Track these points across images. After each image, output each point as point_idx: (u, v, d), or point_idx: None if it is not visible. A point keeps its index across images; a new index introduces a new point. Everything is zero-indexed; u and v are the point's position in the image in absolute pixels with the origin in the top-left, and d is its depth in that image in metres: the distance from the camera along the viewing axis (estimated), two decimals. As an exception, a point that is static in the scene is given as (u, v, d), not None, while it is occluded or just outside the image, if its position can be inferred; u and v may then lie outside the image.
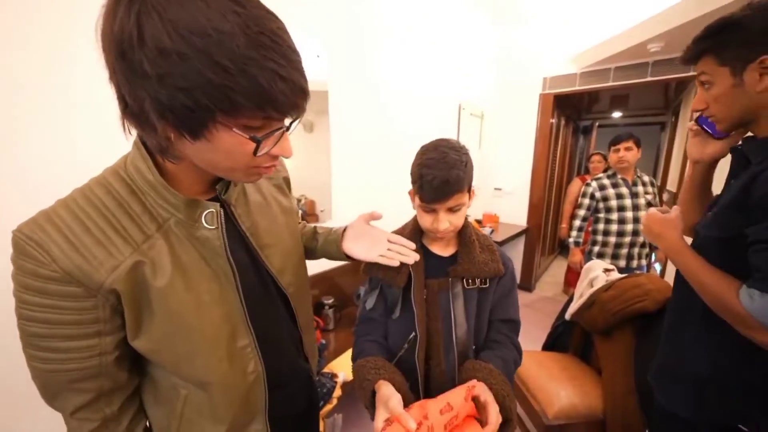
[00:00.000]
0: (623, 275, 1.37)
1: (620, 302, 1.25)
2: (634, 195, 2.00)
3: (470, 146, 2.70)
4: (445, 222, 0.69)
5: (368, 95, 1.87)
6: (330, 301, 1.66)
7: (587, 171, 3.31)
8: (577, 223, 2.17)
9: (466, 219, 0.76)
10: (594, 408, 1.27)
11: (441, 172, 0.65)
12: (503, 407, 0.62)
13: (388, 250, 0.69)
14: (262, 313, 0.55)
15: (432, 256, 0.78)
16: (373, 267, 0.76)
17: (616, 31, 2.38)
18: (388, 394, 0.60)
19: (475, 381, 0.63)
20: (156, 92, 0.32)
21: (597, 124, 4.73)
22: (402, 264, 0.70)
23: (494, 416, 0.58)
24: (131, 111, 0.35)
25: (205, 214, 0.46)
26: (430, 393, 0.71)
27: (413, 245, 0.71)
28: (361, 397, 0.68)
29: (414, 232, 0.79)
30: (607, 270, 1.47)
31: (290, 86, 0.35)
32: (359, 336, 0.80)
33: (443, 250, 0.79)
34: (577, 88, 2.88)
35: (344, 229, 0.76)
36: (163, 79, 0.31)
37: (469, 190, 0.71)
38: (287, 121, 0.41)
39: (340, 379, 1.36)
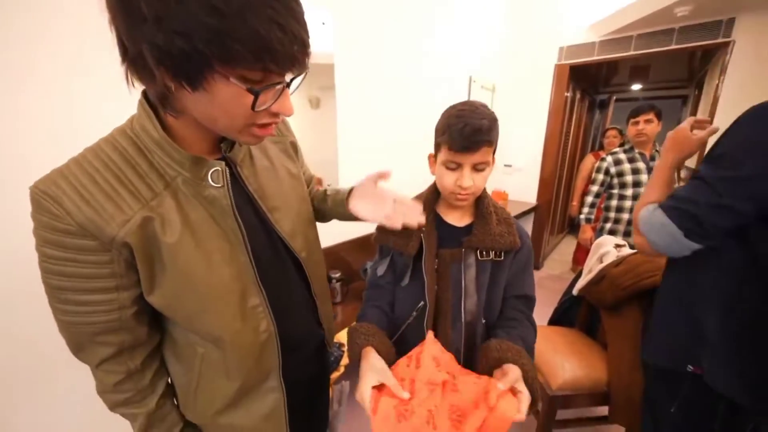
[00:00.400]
0: (634, 251, 1.35)
1: (631, 277, 1.23)
2: (651, 170, 1.92)
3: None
4: (469, 179, 0.67)
5: (376, 67, 1.81)
6: (337, 275, 1.68)
7: (602, 147, 3.20)
8: (589, 199, 2.11)
9: (484, 189, 0.74)
10: (598, 381, 1.28)
11: (472, 120, 0.63)
12: (532, 390, 0.60)
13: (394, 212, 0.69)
14: (273, 275, 0.55)
15: (446, 225, 0.77)
16: (383, 235, 0.76)
17: (641, -5, 2.22)
18: (373, 361, 0.60)
19: (495, 381, 0.58)
20: (153, 36, 0.32)
21: (614, 98, 4.53)
22: (413, 232, 0.70)
23: (525, 404, 0.55)
24: (130, 57, 0.35)
25: (211, 173, 0.46)
26: None
27: (420, 207, 0.70)
28: (352, 356, 0.68)
29: (430, 200, 0.78)
30: (618, 246, 1.44)
31: (289, 37, 0.34)
32: (366, 301, 0.81)
33: (458, 220, 0.77)
34: (595, 57, 2.73)
35: (351, 189, 0.76)
36: (161, 21, 0.31)
37: (493, 153, 0.69)
38: (288, 78, 0.40)
39: (346, 348, 1.39)
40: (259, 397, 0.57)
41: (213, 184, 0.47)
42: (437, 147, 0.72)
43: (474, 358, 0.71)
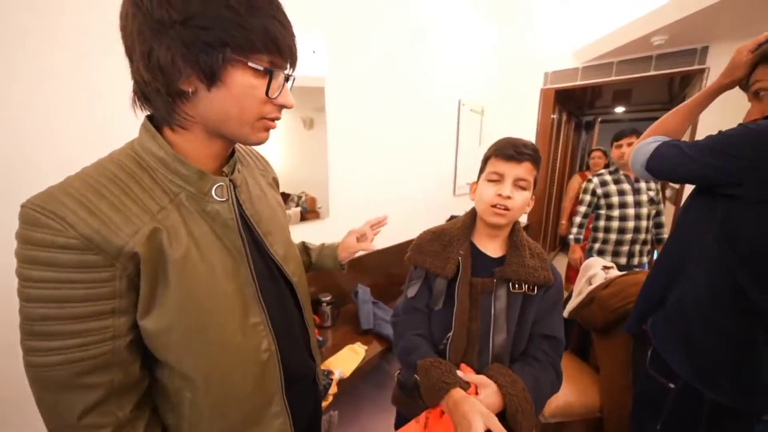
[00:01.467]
0: (623, 272, 1.36)
1: (619, 299, 1.23)
2: (637, 191, 1.96)
3: (470, 142, 2.66)
4: (509, 190, 0.69)
5: (366, 90, 1.85)
6: (327, 298, 1.65)
7: (588, 167, 3.28)
8: (577, 219, 2.15)
9: (518, 222, 0.77)
10: (591, 406, 1.26)
11: (522, 142, 0.71)
12: (514, 421, 0.60)
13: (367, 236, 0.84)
14: (271, 296, 0.55)
15: (480, 255, 0.77)
16: (419, 256, 0.78)
17: (619, 25, 2.34)
18: (476, 404, 0.59)
19: (482, 380, 0.64)
20: (181, 34, 0.38)
21: (599, 119, 4.68)
22: (451, 255, 0.74)
23: (489, 400, 0.60)
24: (157, 63, 0.39)
25: (215, 188, 0.48)
26: None
27: (385, 216, 0.80)
28: (429, 396, 0.65)
29: (466, 226, 0.79)
30: (606, 267, 1.45)
31: (288, 32, 0.43)
32: (407, 328, 0.79)
33: (493, 251, 0.78)
34: (579, 82, 2.84)
35: (338, 245, 0.84)
36: (188, 21, 0.37)
37: (534, 184, 0.72)
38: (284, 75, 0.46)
39: (336, 376, 1.35)
40: (265, 423, 0.54)
41: (217, 198, 0.48)
42: (483, 167, 0.76)
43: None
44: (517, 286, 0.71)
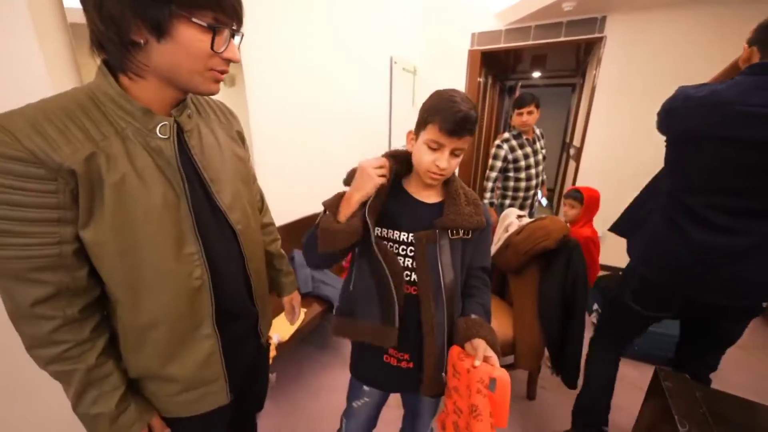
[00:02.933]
0: (532, 219, 1.54)
1: (530, 242, 1.41)
2: (535, 152, 2.23)
3: (403, 102, 2.65)
4: (446, 162, 0.71)
5: (292, 44, 1.69)
6: (261, 266, 1.60)
7: (509, 129, 3.54)
8: (489, 185, 2.25)
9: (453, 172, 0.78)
10: (506, 335, 1.47)
11: (465, 107, 0.68)
12: (495, 350, 0.71)
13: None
14: (211, 236, 0.59)
15: (416, 203, 0.79)
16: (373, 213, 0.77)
17: (536, -12, 2.46)
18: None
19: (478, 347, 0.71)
20: None
21: (520, 84, 5.01)
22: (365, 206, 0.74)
23: (496, 362, 0.69)
24: (108, 15, 0.43)
25: (160, 126, 0.52)
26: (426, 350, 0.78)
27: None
28: (332, 211, 0.72)
29: (396, 173, 0.79)
30: (519, 216, 1.64)
31: None
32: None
33: (427, 197, 0.80)
34: (502, 45, 2.97)
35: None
36: None
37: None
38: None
39: (274, 340, 1.35)
40: (195, 344, 0.59)
41: (160, 135, 0.52)
42: (422, 125, 0.73)
43: (454, 331, 0.78)
44: (455, 232, 0.76)
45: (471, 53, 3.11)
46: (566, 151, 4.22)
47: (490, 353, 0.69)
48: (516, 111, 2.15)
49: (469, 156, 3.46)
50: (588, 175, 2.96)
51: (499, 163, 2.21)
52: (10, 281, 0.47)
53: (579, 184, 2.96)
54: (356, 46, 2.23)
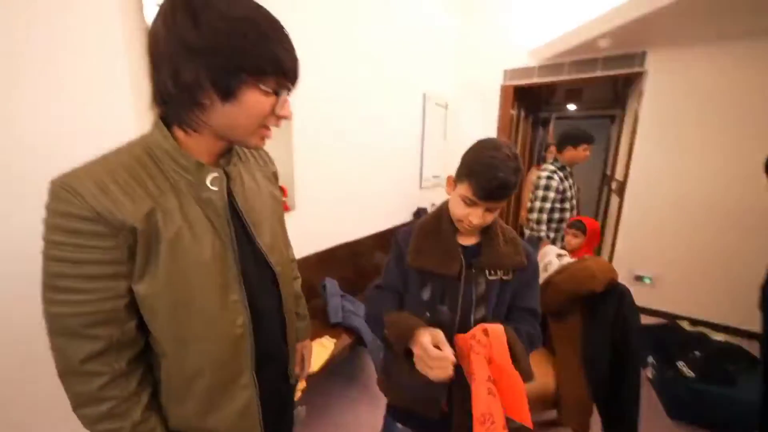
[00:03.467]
0: (573, 260, 1.46)
1: (571, 284, 1.33)
2: (572, 186, 2.20)
3: (435, 136, 2.71)
4: (479, 219, 0.71)
5: (332, 83, 1.82)
6: (293, 295, 1.62)
7: (544, 161, 3.46)
8: (544, 216, 2.18)
9: None
10: (547, 385, 1.35)
11: (503, 175, 0.67)
12: (512, 352, 0.66)
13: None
14: (253, 280, 0.60)
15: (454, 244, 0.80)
16: (421, 257, 0.79)
17: (570, 28, 2.49)
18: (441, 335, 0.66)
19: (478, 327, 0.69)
20: (206, 59, 0.45)
21: (554, 116, 4.95)
22: (454, 253, 0.76)
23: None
24: (184, 81, 0.46)
25: (210, 178, 0.54)
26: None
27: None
28: (398, 342, 0.71)
29: (439, 219, 0.81)
30: (559, 255, 1.55)
31: (292, 57, 0.51)
32: (378, 300, 0.84)
33: (466, 239, 0.80)
34: (535, 80, 2.98)
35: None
36: (213, 49, 0.45)
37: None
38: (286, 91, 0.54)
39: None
40: (234, 394, 0.60)
41: (211, 187, 0.54)
42: (460, 177, 0.74)
43: None
44: (492, 272, 0.75)
45: (504, 88, 3.15)
46: (607, 185, 4.02)
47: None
48: (571, 145, 2.13)
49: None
50: (632, 211, 2.79)
51: (552, 194, 2.14)
52: (63, 338, 0.48)
53: (624, 220, 2.78)
54: (391, 83, 2.34)
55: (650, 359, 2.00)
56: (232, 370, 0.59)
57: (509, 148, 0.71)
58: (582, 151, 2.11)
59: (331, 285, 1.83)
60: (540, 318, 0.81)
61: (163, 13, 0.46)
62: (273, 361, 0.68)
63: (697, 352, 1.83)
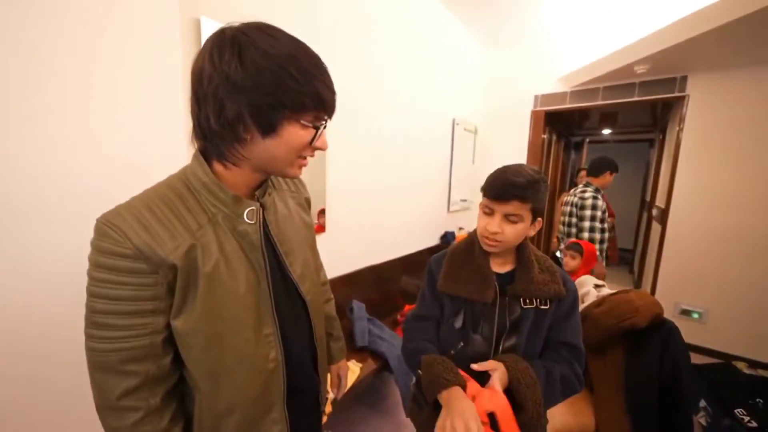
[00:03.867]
0: (613, 291, 1.39)
1: (612, 318, 1.26)
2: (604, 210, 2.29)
3: (464, 160, 2.73)
4: (497, 227, 0.73)
5: (364, 107, 1.90)
6: (322, 315, 1.64)
7: (575, 185, 3.37)
8: (598, 236, 2.25)
9: (525, 239, 0.79)
10: (586, 426, 1.26)
11: (508, 176, 0.72)
12: (518, 393, 0.66)
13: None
14: (285, 311, 0.60)
15: (489, 272, 0.80)
16: (453, 284, 0.80)
17: (604, 53, 2.47)
18: (469, 406, 0.64)
19: (492, 364, 0.70)
20: (250, 97, 0.46)
21: (587, 140, 4.84)
22: (488, 279, 0.77)
23: (496, 381, 0.67)
24: (227, 117, 0.46)
25: (247, 212, 0.54)
26: None
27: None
28: (429, 389, 0.71)
29: (471, 245, 0.83)
30: (597, 286, 1.48)
31: (333, 94, 0.52)
32: (416, 332, 0.86)
33: (500, 266, 0.81)
34: (567, 105, 2.96)
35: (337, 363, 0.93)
36: (257, 87, 0.45)
37: (534, 212, 0.74)
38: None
39: (330, 396, 1.33)
40: (264, 429, 0.59)
41: (247, 221, 0.54)
42: (482, 194, 0.79)
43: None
44: (528, 301, 0.74)
45: (534, 113, 3.14)
46: (647, 211, 3.82)
47: (496, 387, 0.67)
48: (609, 172, 2.31)
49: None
50: (677, 240, 2.62)
51: (599, 213, 2.23)
52: (102, 373, 0.48)
53: (667, 249, 2.62)
54: (421, 109, 2.41)
55: (702, 404, 1.82)
56: (263, 405, 0.58)
57: (530, 166, 0.75)
58: (611, 177, 2.28)
59: (359, 308, 1.84)
60: (583, 355, 0.77)
61: (209, 51, 0.46)
62: (304, 393, 0.67)
63: (759, 400, 1.64)
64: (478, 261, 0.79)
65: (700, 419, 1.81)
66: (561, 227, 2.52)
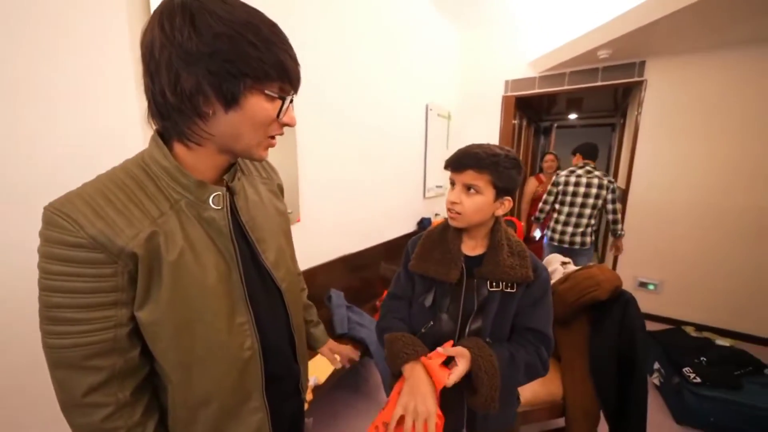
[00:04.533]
0: (578, 267, 1.47)
1: (575, 293, 1.34)
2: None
3: (438, 147, 2.75)
4: (457, 196, 0.75)
5: (335, 95, 1.86)
6: (300, 305, 1.63)
7: (541, 170, 3.49)
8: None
9: (499, 222, 0.80)
10: (554, 394, 1.35)
11: (469, 148, 0.75)
12: (477, 379, 0.68)
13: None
14: (259, 299, 0.59)
15: (459, 254, 0.82)
16: (423, 263, 0.82)
17: (570, 38, 2.54)
18: (428, 385, 0.69)
19: (459, 350, 0.71)
20: (208, 65, 0.43)
21: (556, 125, 5.00)
22: (454, 260, 0.79)
23: (453, 377, 0.68)
24: (184, 89, 0.43)
25: (213, 197, 0.52)
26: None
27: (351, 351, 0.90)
28: (392, 364, 0.76)
29: (446, 227, 0.85)
30: (564, 263, 1.57)
31: (296, 65, 0.49)
32: (388, 311, 0.89)
33: (471, 249, 0.82)
34: (536, 90, 3.03)
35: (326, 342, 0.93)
36: (215, 54, 0.42)
37: (497, 188, 0.74)
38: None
39: (311, 383, 1.34)
40: (244, 419, 0.57)
41: (213, 206, 0.52)
42: None
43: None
44: (495, 284, 0.75)
45: (505, 99, 3.20)
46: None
47: (460, 366, 0.70)
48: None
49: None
50: (635, 218, 2.80)
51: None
52: (64, 370, 0.45)
53: (627, 227, 2.80)
54: (394, 95, 2.39)
55: (656, 366, 2.00)
56: (241, 394, 0.57)
57: (504, 147, 0.77)
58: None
59: (337, 296, 1.85)
60: (551, 342, 0.78)
61: (158, 20, 0.43)
62: (283, 380, 0.67)
63: (703, 358, 1.82)
64: (449, 243, 0.81)
65: (654, 379, 1.99)
66: (566, 208, 2.42)
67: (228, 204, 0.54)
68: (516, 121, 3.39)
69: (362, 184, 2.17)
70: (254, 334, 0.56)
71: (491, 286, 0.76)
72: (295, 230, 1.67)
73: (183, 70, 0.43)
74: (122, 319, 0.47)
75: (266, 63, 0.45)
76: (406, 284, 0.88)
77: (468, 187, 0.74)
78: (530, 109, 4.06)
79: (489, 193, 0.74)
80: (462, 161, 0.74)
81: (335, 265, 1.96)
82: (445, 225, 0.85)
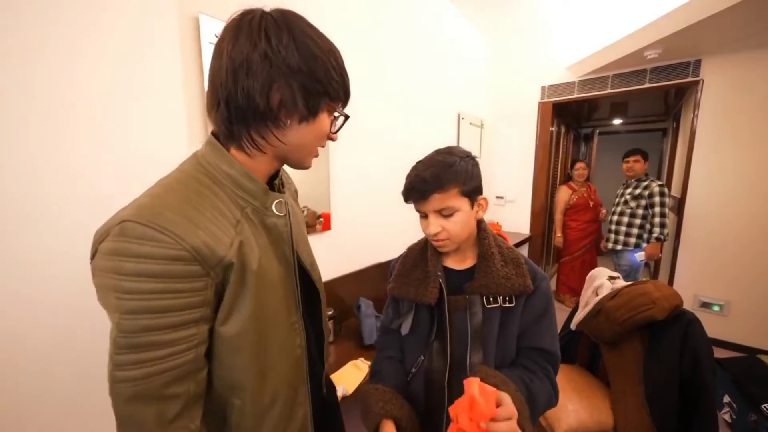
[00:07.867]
0: (628, 283, 1.34)
1: (627, 310, 1.21)
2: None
3: (470, 155, 2.55)
4: (436, 226, 0.65)
5: (367, 106, 1.89)
6: (330, 312, 1.63)
7: (571, 178, 3.29)
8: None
9: (484, 230, 0.72)
10: (604, 423, 1.22)
11: (417, 173, 0.65)
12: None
13: None
14: (305, 301, 0.60)
15: (450, 272, 0.72)
16: (403, 286, 0.73)
17: (612, 39, 2.40)
18: None
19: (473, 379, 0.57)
20: (303, 80, 0.46)
21: (597, 131, 4.72)
22: (431, 278, 0.69)
23: (507, 409, 0.52)
24: (274, 99, 0.46)
25: (276, 203, 0.53)
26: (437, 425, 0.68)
27: None
28: (365, 424, 0.66)
29: (426, 243, 0.76)
30: (611, 277, 1.44)
31: (350, 87, 0.55)
32: (379, 349, 0.80)
33: (459, 263, 0.72)
34: (575, 96, 2.89)
35: None
36: (312, 73, 0.47)
37: (467, 195, 0.66)
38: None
39: (339, 393, 1.32)
40: (296, 414, 0.58)
41: (276, 213, 0.53)
42: None
43: None
44: (491, 299, 0.65)
45: (541, 105, 3.08)
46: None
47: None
48: (624, 160, 2.60)
49: (541, 206, 3.25)
50: (694, 230, 2.53)
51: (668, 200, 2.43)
52: (139, 405, 0.40)
53: (685, 239, 2.53)
54: (425, 104, 2.38)
55: (726, 399, 1.75)
56: (293, 391, 0.57)
57: (447, 149, 0.68)
58: (633, 163, 2.56)
59: (366, 305, 1.82)
60: (558, 362, 0.69)
61: (261, 32, 0.44)
62: (314, 377, 0.67)
63: (787, 395, 1.57)
64: (430, 259, 0.72)
65: (724, 415, 1.74)
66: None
67: (289, 210, 0.56)
68: (554, 128, 3.24)
69: (392, 194, 2.15)
70: (303, 331, 0.58)
71: (488, 302, 0.65)
72: (326, 238, 1.72)
73: (280, 81, 0.45)
74: (203, 336, 0.44)
75: (340, 87, 0.51)
76: (393, 313, 0.78)
77: (441, 212, 0.65)
78: (569, 116, 3.87)
79: (464, 204, 0.65)
80: (422, 188, 0.64)
81: (365, 274, 1.95)
82: (426, 241, 0.75)
